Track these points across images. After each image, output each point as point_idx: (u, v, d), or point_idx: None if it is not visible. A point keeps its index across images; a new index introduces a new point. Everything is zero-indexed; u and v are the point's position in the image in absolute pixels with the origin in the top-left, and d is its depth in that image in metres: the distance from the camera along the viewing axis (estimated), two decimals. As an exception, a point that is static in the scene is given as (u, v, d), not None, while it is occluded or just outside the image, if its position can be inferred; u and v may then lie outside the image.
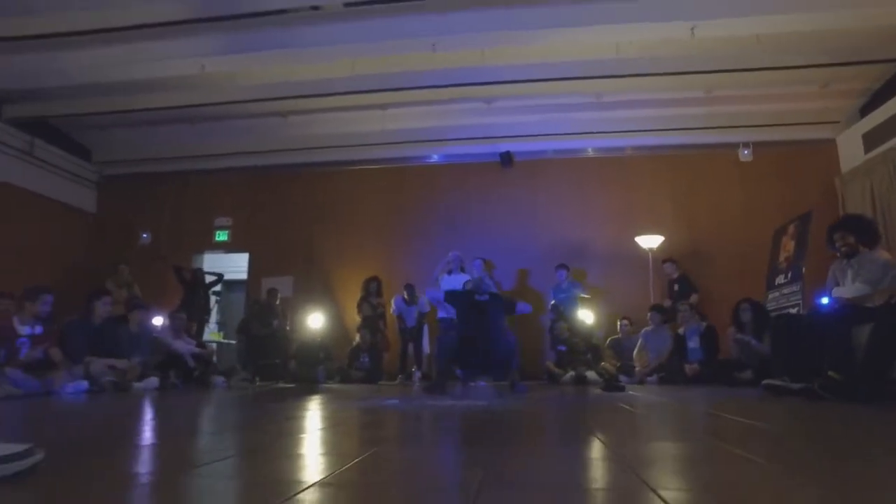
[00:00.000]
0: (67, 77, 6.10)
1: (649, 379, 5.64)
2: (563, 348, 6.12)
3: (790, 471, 1.17)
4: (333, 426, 2.18)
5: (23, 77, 6.10)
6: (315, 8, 5.20)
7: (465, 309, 4.60)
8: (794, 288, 4.91)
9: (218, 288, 7.98)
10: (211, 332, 8.40)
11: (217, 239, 8.60)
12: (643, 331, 6.21)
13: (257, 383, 6.21)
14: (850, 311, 2.83)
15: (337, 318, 7.73)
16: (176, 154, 8.39)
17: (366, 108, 7.33)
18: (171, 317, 6.18)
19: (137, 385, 4.69)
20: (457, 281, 6.34)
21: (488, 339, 4.35)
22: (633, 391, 4.20)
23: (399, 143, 8.04)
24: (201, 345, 6.37)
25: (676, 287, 6.64)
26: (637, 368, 5.93)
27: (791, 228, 5.44)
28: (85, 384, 4.20)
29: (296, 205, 8.39)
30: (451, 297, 4.90)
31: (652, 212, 7.61)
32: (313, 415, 2.64)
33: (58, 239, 7.96)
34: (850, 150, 7.21)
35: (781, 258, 5.43)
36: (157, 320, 6.61)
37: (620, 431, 2.01)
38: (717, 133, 7.61)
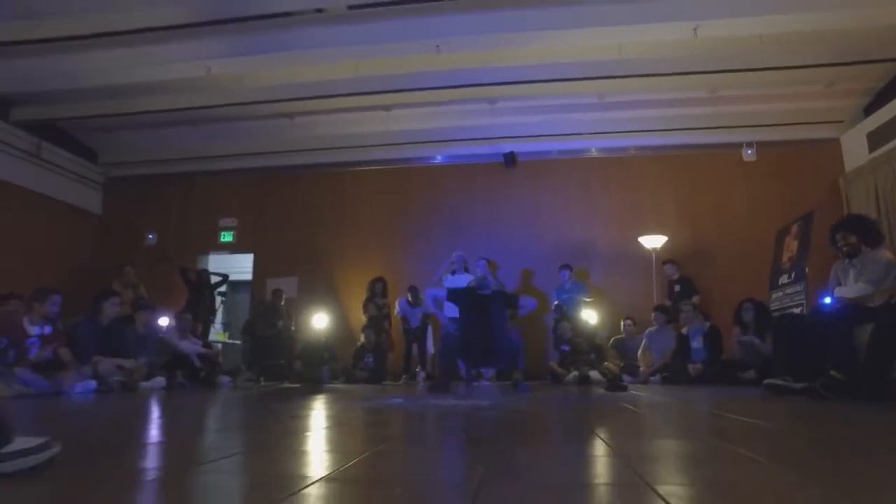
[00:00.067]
0: (74, 80, 6.17)
1: (653, 379, 5.65)
2: (566, 348, 6.14)
3: (790, 469, 1.19)
4: (338, 425, 2.21)
5: (29, 80, 6.17)
6: (319, 10, 5.24)
7: (469, 305, 4.63)
8: (798, 288, 4.91)
9: (223, 289, 8.03)
10: (216, 333, 8.45)
11: (222, 240, 8.65)
12: (647, 331, 6.23)
13: (262, 383, 6.25)
14: (851, 311, 2.84)
15: (341, 319, 7.77)
16: (181, 156, 8.45)
17: (370, 109, 7.37)
18: (177, 317, 6.22)
19: (144, 385, 4.74)
20: (460, 281, 6.37)
21: (491, 336, 4.38)
22: (636, 391, 4.22)
23: (403, 144, 8.08)
24: (207, 345, 6.42)
25: (677, 288, 6.65)
26: (641, 368, 5.94)
27: (794, 228, 5.44)
28: (93, 384, 4.25)
29: (300, 206, 8.43)
30: (454, 294, 4.92)
31: (655, 212, 7.62)
32: (318, 414, 2.67)
33: (64, 240, 8.03)
34: (855, 150, 7.19)
35: (785, 258, 5.43)
36: (163, 321, 6.65)
37: (621, 430, 2.03)
38: (721, 133, 7.61)
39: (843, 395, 2.59)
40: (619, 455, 1.37)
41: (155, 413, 2.90)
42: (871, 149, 6.78)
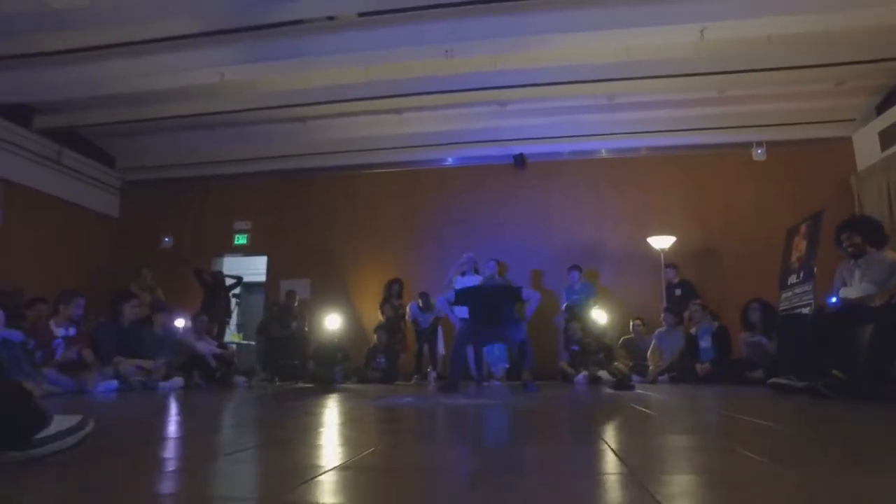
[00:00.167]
0: (93, 88, 6.35)
1: (661, 378, 5.69)
2: (576, 348, 6.19)
3: (781, 464, 1.25)
4: (351, 421, 2.30)
5: (51, 89, 6.36)
6: (330, 18, 5.36)
7: (476, 299, 4.75)
8: (807, 287, 4.92)
9: (237, 290, 8.18)
10: (231, 334, 8.61)
11: (236, 242, 8.80)
12: (657, 331, 6.26)
13: (276, 383, 6.38)
14: (853, 311, 2.87)
15: (354, 320, 7.89)
16: (197, 160, 8.62)
17: (381, 112, 7.47)
18: (194, 319, 6.37)
19: (163, 385, 4.89)
20: (470, 282, 6.45)
21: (499, 317, 4.50)
22: (643, 390, 4.26)
23: (414, 147, 8.18)
24: (222, 346, 6.56)
25: (678, 292, 6.66)
26: (650, 368, 5.98)
27: (803, 228, 5.44)
28: (115, 383, 4.40)
29: (313, 208, 8.56)
30: (461, 294, 5.01)
31: (665, 212, 7.63)
32: (331, 411, 2.77)
33: (83, 243, 8.22)
34: (866, 148, 7.16)
35: (794, 258, 5.43)
36: (180, 322, 6.81)
37: (618, 426, 2.10)
38: (730, 133, 7.60)
39: (844, 395, 2.62)
40: (613, 449, 1.44)
41: (174, 411, 3.02)
42: (884, 147, 6.75)
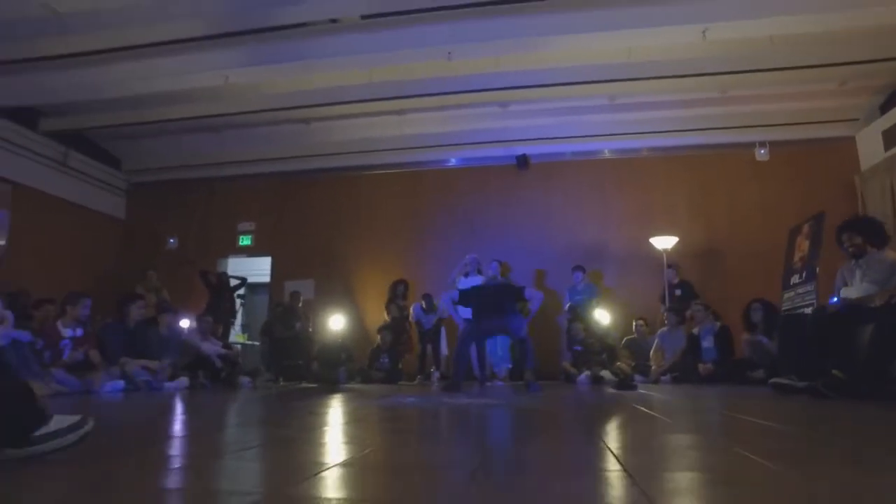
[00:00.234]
0: (99, 91, 6.40)
1: (663, 378, 5.70)
2: (579, 348, 6.21)
3: (776, 462, 1.27)
4: (354, 420, 2.34)
5: (57, 92, 6.42)
6: (333, 21, 5.40)
7: (479, 295, 4.80)
8: (809, 287, 4.92)
9: (242, 291, 8.22)
10: (236, 335, 8.66)
11: (241, 243, 8.86)
12: (659, 331, 6.28)
13: (281, 383, 6.42)
14: (853, 311, 2.88)
15: (357, 320, 7.92)
16: (201, 162, 8.67)
17: (384, 113, 7.51)
18: (199, 320, 6.41)
19: (169, 385, 4.93)
20: (473, 283, 6.48)
21: (503, 310, 4.60)
22: (645, 390, 4.28)
23: (416, 148, 8.21)
24: (227, 346, 6.61)
25: (678, 292, 6.67)
26: (653, 368, 6.00)
27: (806, 228, 5.44)
28: (121, 384, 4.45)
29: (317, 209, 8.60)
30: (465, 294, 5.05)
31: (668, 213, 7.64)
32: (335, 411, 2.80)
33: (89, 245, 8.29)
34: (870, 148, 7.14)
35: (796, 258, 5.43)
36: (185, 323, 6.87)
37: (613, 423, 2.12)
38: (733, 133, 7.60)
39: (844, 394, 2.64)
40: (610, 448, 1.47)
41: (180, 410, 3.06)
42: (887, 147, 6.73)
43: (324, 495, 0.93)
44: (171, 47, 5.63)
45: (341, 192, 8.62)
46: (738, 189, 7.67)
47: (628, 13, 5.22)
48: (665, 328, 6.22)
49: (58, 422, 1.17)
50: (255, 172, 8.77)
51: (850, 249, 3.25)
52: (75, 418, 1.19)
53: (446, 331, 7.22)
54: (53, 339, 4.30)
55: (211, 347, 5.97)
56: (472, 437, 1.91)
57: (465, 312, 5.17)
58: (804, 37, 5.62)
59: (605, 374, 5.46)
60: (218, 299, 7.57)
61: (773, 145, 7.59)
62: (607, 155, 8.21)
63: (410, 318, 7.27)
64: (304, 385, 6.22)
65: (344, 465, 1.18)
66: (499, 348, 6.73)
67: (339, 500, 0.90)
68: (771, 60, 6.09)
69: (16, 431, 1.14)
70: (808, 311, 4.56)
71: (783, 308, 5.23)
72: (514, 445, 1.62)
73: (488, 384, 5.85)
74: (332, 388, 5.53)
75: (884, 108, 7.03)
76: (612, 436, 1.76)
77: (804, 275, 5.11)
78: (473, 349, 6.00)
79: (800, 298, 5.04)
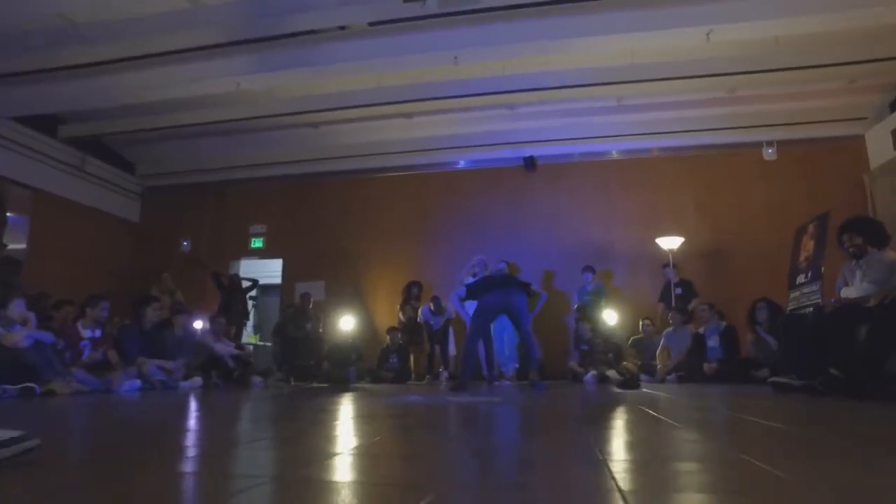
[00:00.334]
0: (115, 99, 6.59)
1: (669, 377, 5.75)
2: (585, 348, 6.27)
3: (760, 461, 1.35)
4: (363, 416, 2.43)
5: (76, 100, 6.60)
6: (342, 28, 5.52)
7: (486, 281, 4.89)
8: (814, 287, 4.94)
9: (254, 293, 8.36)
10: (248, 335, 8.81)
11: (252, 246, 9.01)
12: (665, 331, 6.32)
13: (292, 383, 6.54)
14: (851, 311, 2.92)
15: (367, 321, 8.04)
16: (214, 166, 8.84)
17: (392, 117, 7.62)
18: (212, 321, 6.55)
19: (183, 384, 5.07)
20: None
21: (509, 288, 4.67)
22: (649, 389, 4.34)
23: (425, 151, 8.31)
24: (240, 347, 6.75)
25: (679, 291, 6.70)
26: (659, 367, 6.04)
27: (811, 228, 5.46)
28: (138, 383, 4.59)
29: (327, 212, 8.73)
30: (471, 288, 5.13)
31: (675, 213, 7.67)
32: (345, 408, 2.90)
33: (104, 248, 8.49)
34: (879, 147, 7.12)
35: (802, 257, 5.45)
36: (198, 324, 7.02)
37: (606, 420, 2.19)
38: (741, 133, 7.61)
39: (841, 393, 2.69)
40: (592, 440, 1.55)
41: (194, 408, 3.18)
42: (897, 145, 6.71)
43: (333, 479, 1.02)
44: (184, 55, 5.78)
45: (351, 194, 8.75)
46: (745, 189, 7.67)
47: (632, 16, 5.27)
48: (670, 328, 6.26)
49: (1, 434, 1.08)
50: (266, 176, 8.92)
51: (851, 250, 3.29)
52: (15, 433, 1.09)
53: (454, 332, 7.31)
54: (73, 340, 4.46)
55: (224, 348, 6.10)
56: (469, 432, 2.00)
57: (472, 308, 5.25)
58: (810, 37, 5.64)
59: (611, 373, 5.52)
60: (230, 301, 7.71)
61: (781, 145, 7.58)
62: (615, 156, 8.25)
63: (419, 319, 7.36)
64: (315, 385, 6.33)
65: (352, 453, 1.28)
66: (506, 348, 6.81)
67: (347, 482, 0.99)
68: (777, 61, 6.10)
69: None
70: (811, 310, 4.59)
71: (789, 308, 5.25)
72: (507, 439, 1.70)
73: (496, 383, 5.92)
74: (342, 387, 5.63)
75: (893, 107, 7.01)
76: (602, 432, 1.84)
77: (809, 274, 5.13)
78: (482, 350, 6.08)
79: (805, 298, 5.06)
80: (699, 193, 7.78)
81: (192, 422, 2.35)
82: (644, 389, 4.22)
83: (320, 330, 7.74)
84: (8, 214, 6.95)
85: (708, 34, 5.27)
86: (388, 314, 8.02)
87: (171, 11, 5.22)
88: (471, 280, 7.04)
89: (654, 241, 7.26)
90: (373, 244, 8.49)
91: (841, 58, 6.11)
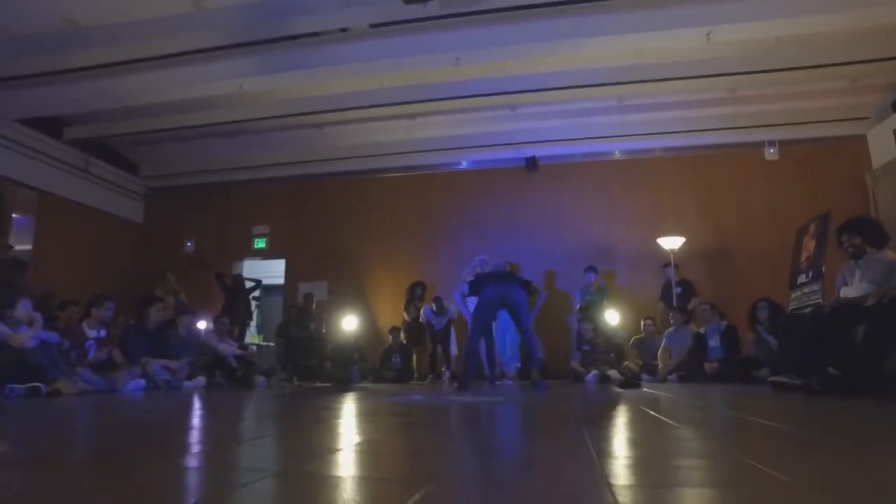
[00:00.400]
0: (119, 101, 6.63)
1: (670, 377, 5.77)
2: (587, 348, 6.29)
3: (746, 457, 1.37)
4: (365, 415, 2.46)
5: (80, 103, 6.66)
6: (343, 30, 5.55)
7: (488, 276, 4.92)
8: (815, 287, 4.95)
9: (257, 293, 8.40)
10: (251, 335, 8.85)
11: (256, 246, 9.06)
12: (666, 332, 6.34)
13: (295, 383, 6.58)
14: (848, 311, 2.94)
15: (370, 321, 8.08)
16: (217, 167, 8.89)
17: (394, 118, 7.66)
18: (215, 321, 6.60)
19: (187, 383, 5.12)
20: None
21: (509, 281, 4.69)
22: (650, 388, 4.36)
23: (426, 151, 8.34)
24: (243, 347, 6.79)
25: (679, 290, 6.72)
26: (660, 367, 6.06)
27: (812, 227, 5.47)
28: (142, 382, 4.64)
29: (330, 212, 8.77)
30: (473, 284, 5.16)
31: (677, 213, 7.68)
32: (348, 407, 2.93)
33: (108, 248, 8.55)
34: (882, 146, 7.11)
35: (803, 257, 5.46)
36: (202, 324, 7.07)
37: (599, 417, 2.22)
38: (743, 133, 7.62)
39: (839, 391, 2.70)
40: (587, 437, 1.58)
41: (199, 406, 3.21)
42: (899, 145, 6.70)
43: (334, 473, 1.05)
44: (187, 58, 5.82)
45: (353, 195, 8.79)
46: (747, 189, 7.69)
47: (633, 17, 5.28)
48: (671, 328, 6.28)
49: None
50: (269, 177, 8.97)
51: (850, 250, 3.31)
52: None
53: (456, 332, 7.34)
54: (79, 340, 4.51)
55: (227, 348, 6.14)
56: (467, 429, 2.03)
57: (474, 305, 5.28)
58: (811, 37, 5.64)
59: (613, 373, 5.54)
60: (233, 301, 7.75)
61: (783, 144, 7.59)
62: (617, 156, 8.27)
63: (421, 320, 7.40)
64: (318, 384, 6.37)
65: (353, 449, 1.31)
66: (508, 348, 6.84)
67: (347, 477, 1.02)
68: (779, 61, 6.11)
69: None
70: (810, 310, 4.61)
71: (790, 307, 5.27)
72: (501, 436, 1.73)
73: (498, 383, 5.95)
74: (344, 386, 5.67)
75: (895, 106, 7.00)
76: (597, 430, 1.87)
77: (811, 274, 5.14)
78: (484, 349, 6.11)
79: (806, 298, 5.07)
80: (701, 193, 7.79)
81: (197, 420, 2.39)
82: (644, 389, 4.24)
83: (323, 330, 7.78)
84: (13, 215, 7.03)
85: (708, 35, 5.28)
86: (391, 314, 8.05)
87: (174, 15, 5.26)
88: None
89: (655, 241, 7.27)
90: (375, 244, 8.53)
91: (842, 57, 6.12)
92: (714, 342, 5.63)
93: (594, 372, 5.80)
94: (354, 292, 8.31)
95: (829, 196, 6.64)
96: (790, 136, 7.53)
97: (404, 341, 7.34)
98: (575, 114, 7.59)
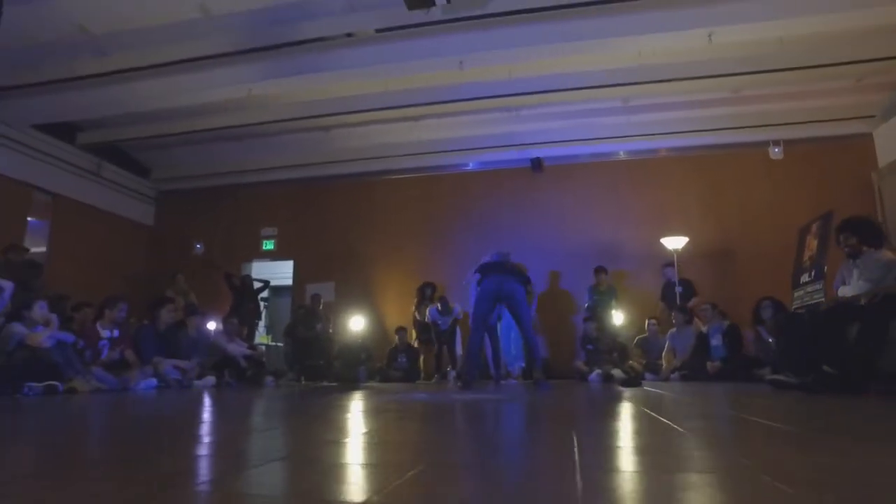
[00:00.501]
0: (131, 106, 6.77)
1: (672, 376, 5.81)
2: (591, 347, 6.35)
3: (708, 444, 1.44)
4: (370, 411, 2.55)
5: (93, 108, 6.82)
6: (349, 35, 5.65)
7: (492, 264, 4.99)
8: (818, 286, 4.97)
9: (265, 294, 8.51)
10: (260, 336, 8.97)
11: (264, 248, 9.18)
12: (669, 332, 6.37)
13: (303, 382, 6.69)
14: (845, 310, 2.98)
15: (377, 321, 8.17)
16: (226, 170, 9.02)
17: (400, 120, 7.75)
18: (225, 322, 6.72)
19: (197, 383, 5.24)
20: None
21: (510, 275, 4.79)
22: (652, 387, 4.41)
23: (432, 153, 8.41)
24: (252, 347, 6.90)
25: (679, 290, 6.76)
26: (664, 366, 6.10)
27: (814, 227, 5.49)
28: (154, 381, 4.76)
29: (337, 214, 8.88)
30: (481, 267, 5.25)
31: (682, 213, 7.70)
32: (355, 404, 3.02)
33: (120, 251, 8.70)
34: (888, 144, 7.11)
35: (805, 256, 5.47)
36: (212, 325, 7.19)
37: (591, 415, 2.29)
38: (747, 132, 7.62)
39: (834, 389, 2.75)
40: (570, 428, 1.65)
41: (209, 404, 3.31)
42: (905, 143, 6.69)
43: (335, 460, 1.13)
44: (197, 64, 5.95)
45: (360, 196, 8.88)
46: (751, 188, 7.69)
47: (637, 19, 5.31)
48: (674, 329, 6.32)
49: None
50: (277, 179, 9.08)
51: (846, 249, 3.35)
52: None
53: (461, 332, 7.42)
54: (93, 340, 4.64)
55: (237, 348, 6.25)
56: (464, 424, 2.10)
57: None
58: (815, 36, 5.65)
59: (616, 372, 5.59)
60: (241, 301, 7.87)
61: (788, 144, 7.59)
62: (622, 157, 8.29)
63: (427, 320, 7.48)
64: (326, 384, 6.47)
65: (354, 440, 1.39)
66: (512, 347, 6.90)
67: (347, 463, 1.10)
68: (782, 61, 6.12)
69: None
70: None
71: (793, 306, 5.28)
72: (495, 431, 1.80)
73: (502, 382, 6.02)
74: (351, 386, 5.76)
75: (901, 105, 6.98)
76: (585, 424, 1.93)
77: (813, 273, 5.16)
78: (489, 349, 6.19)
79: (809, 297, 5.09)
80: (705, 193, 7.81)
81: (208, 416, 2.48)
82: (646, 388, 4.29)
83: (330, 330, 7.88)
84: (28, 219, 7.20)
85: (710, 35, 5.31)
86: (397, 314, 8.14)
87: (184, 22, 5.38)
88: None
89: (659, 240, 7.30)
90: (382, 246, 8.62)
91: (847, 57, 6.11)
92: (716, 341, 5.66)
93: (598, 371, 5.85)
94: (361, 293, 8.40)
95: (835, 195, 6.63)
96: (795, 136, 7.53)
97: (416, 342, 7.42)
98: (579, 115, 7.64)
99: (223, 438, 1.58)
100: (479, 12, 5.25)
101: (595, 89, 6.74)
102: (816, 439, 1.43)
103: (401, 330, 7.43)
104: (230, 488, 0.89)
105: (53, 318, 4.33)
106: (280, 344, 8.40)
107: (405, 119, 7.72)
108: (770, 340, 4.87)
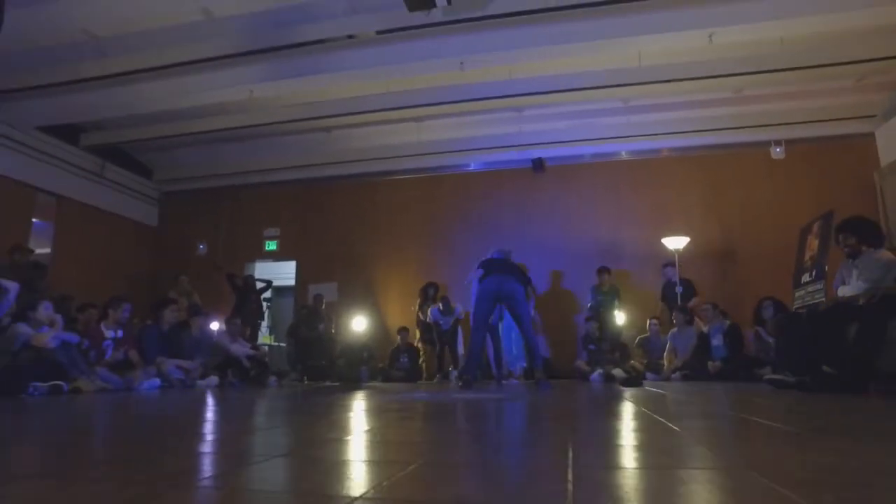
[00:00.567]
0: (134, 108, 6.83)
1: (674, 376, 5.82)
2: (593, 347, 6.36)
3: (700, 444, 1.46)
4: (370, 410, 2.57)
5: (96, 110, 6.87)
6: (350, 37, 5.68)
7: (493, 261, 5.02)
8: (819, 286, 4.98)
9: (268, 294, 8.54)
10: (263, 336, 9.01)
11: (267, 248, 9.22)
12: (670, 332, 6.38)
13: (306, 382, 6.72)
14: (843, 310, 3.00)
15: (379, 321, 8.19)
16: (228, 171, 9.06)
17: (402, 121, 7.77)
18: (228, 322, 6.75)
19: (200, 382, 5.27)
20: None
21: (511, 275, 4.81)
22: (652, 387, 4.42)
23: (434, 154, 8.44)
24: (255, 347, 6.93)
25: (680, 289, 6.77)
26: (665, 366, 6.11)
27: (815, 227, 5.50)
28: (157, 381, 4.79)
29: (339, 215, 8.91)
30: (483, 263, 5.28)
31: (683, 213, 7.71)
32: (357, 404, 3.04)
33: (122, 252, 8.74)
34: (890, 144, 7.11)
35: (807, 256, 5.49)
36: (215, 325, 7.23)
37: (586, 413, 2.30)
38: (749, 132, 7.63)
39: (832, 388, 2.76)
40: (567, 426, 1.67)
41: (212, 403, 3.34)
42: (907, 142, 6.69)
43: (335, 457, 1.16)
44: (199, 66, 5.98)
45: (362, 197, 8.91)
46: (753, 188, 7.70)
47: (637, 19, 5.33)
48: (675, 329, 6.33)
49: None
50: (279, 180, 9.12)
51: (846, 249, 3.36)
52: None
53: (462, 332, 7.44)
54: (97, 340, 4.68)
55: (240, 349, 6.28)
56: (461, 422, 2.13)
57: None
58: (816, 36, 5.66)
59: (617, 372, 5.60)
60: (244, 301, 7.89)
61: (789, 143, 7.60)
62: (623, 157, 8.31)
63: (428, 320, 7.50)
64: (328, 384, 6.49)
65: (355, 438, 1.42)
66: (514, 347, 6.92)
67: (347, 460, 1.12)
68: (783, 61, 6.12)
69: None
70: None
71: (794, 306, 5.30)
72: (490, 428, 1.83)
73: (504, 382, 6.04)
74: (353, 386, 5.78)
75: (903, 104, 6.98)
76: (580, 422, 1.95)
77: (814, 273, 5.17)
78: (491, 349, 6.21)
79: (810, 297, 5.10)
80: (706, 193, 7.82)
81: (211, 415, 2.51)
82: (647, 387, 4.30)
83: (332, 330, 7.91)
84: (33, 220, 7.25)
85: (710, 36, 5.33)
86: (400, 315, 8.16)
87: (186, 24, 5.43)
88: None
89: (661, 241, 7.31)
90: (384, 246, 8.65)
91: (848, 56, 6.12)
92: (717, 341, 5.68)
93: (599, 371, 5.86)
94: (364, 293, 8.43)
95: (837, 194, 6.64)
96: (796, 135, 7.54)
97: (419, 342, 7.44)
98: (580, 115, 7.66)
99: (226, 437, 1.60)
100: (479, 14, 5.27)
101: (596, 90, 6.75)
102: (816, 439, 1.44)
103: (403, 330, 7.45)
104: (232, 484, 0.91)
105: (58, 318, 4.37)
106: (283, 344, 8.43)
107: (406, 120, 7.74)
108: (770, 340, 4.88)
